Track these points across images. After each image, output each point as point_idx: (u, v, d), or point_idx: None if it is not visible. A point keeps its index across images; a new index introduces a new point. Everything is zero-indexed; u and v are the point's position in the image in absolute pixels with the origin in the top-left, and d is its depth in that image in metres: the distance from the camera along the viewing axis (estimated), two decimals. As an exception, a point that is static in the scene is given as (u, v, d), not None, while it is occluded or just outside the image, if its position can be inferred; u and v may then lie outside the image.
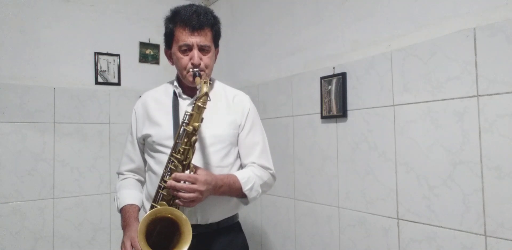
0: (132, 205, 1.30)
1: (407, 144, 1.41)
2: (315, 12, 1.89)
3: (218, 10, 2.84)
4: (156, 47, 2.65)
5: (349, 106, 1.67)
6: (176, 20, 1.27)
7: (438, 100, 1.31)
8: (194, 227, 1.18)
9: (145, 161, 1.39)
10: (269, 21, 2.23)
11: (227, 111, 1.33)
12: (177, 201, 1.12)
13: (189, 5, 1.29)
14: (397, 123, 1.45)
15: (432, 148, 1.32)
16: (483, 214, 1.17)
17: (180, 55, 1.26)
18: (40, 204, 2.17)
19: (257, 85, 2.30)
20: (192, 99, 1.31)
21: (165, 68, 2.70)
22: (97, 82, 2.41)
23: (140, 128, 1.36)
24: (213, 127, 1.27)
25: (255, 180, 1.25)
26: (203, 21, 1.24)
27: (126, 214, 1.28)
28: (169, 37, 1.31)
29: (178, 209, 1.12)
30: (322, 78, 1.80)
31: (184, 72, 1.26)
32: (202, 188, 1.10)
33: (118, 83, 2.49)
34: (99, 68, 2.41)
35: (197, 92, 1.22)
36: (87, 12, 2.39)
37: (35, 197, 2.16)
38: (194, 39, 1.24)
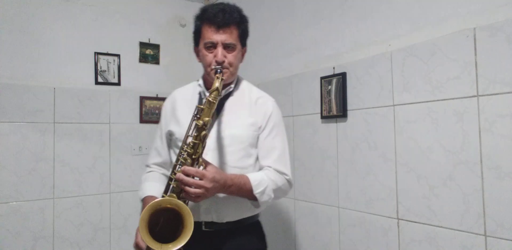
0: (152, 196, 1.31)
1: (407, 144, 1.41)
2: (315, 12, 1.89)
3: (218, 10, 2.84)
4: (156, 47, 2.65)
5: (349, 106, 1.67)
6: (203, 18, 1.29)
7: (438, 100, 1.31)
8: (212, 224, 1.23)
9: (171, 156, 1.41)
10: (269, 21, 2.23)
11: (248, 112, 1.32)
12: (183, 194, 1.12)
13: (218, 4, 1.30)
14: (397, 123, 1.45)
15: (432, 148, 1.32)
16: (483, 214, 1.17)
17: (205, 52, 1.28)
18: (40, 204, 2.17)
19: (257, 85, 2.28)
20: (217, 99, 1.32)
21: (165, 68, 2.70)
22: (97, 82, 2.41)
23: (167, 123, 1.39)
24: (233, 127, 1.28)
25: (267, 184, 1.23)
26: (229, 19, 1.25)
27: (145, 205, 1.30)
28: (197, 35, 1.34)
29: (187, 202, 1.13)
30: (322, 78, 1.80)
31: (208, 69, 1.28)
32: (208, 185, 1.10)
33: (118, 83, 2.49)
34: (99, 68, 2.42)
35: (223, 92, 1.28)
36: (87, 12, 2.39)
37: (35, 197, 2.16)
38: (219, 37, 1.25)
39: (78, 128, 2.32)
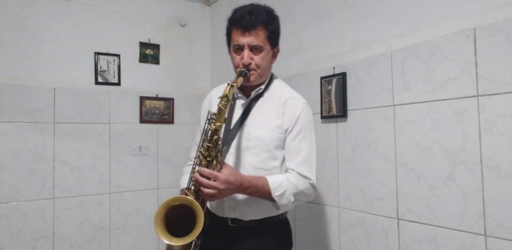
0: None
1: (407, 144, 1.41)
2: (315, 12, 1.89)
3: (218, 10, 2.84)
4: (156, 47, 2.65)
5: (349, 106, 1.67)
6: (232, 21, 1.31)
7: (438, 100, 1.31)
8: (236, 220, 1.29)
9: None
10: (269, 21, 2.22)
11: (275, 114, 1.32)
12: (200, 192, 1.18)
13: (247, 5, 1.31)
14: (397, 123, 1.45)
15: (432, 148, 1.32)
16: (483, 214, 1.17)
17: (233, 54, 1.31)
18: (40, 204, 2.17)
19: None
20: (247, 99, 1.35)
21: (165, 68, 2.70)
22: (97, 82, 2.41)
23: (204, 120, 1.43)
24: (259, 128, 1.29)
25: (287, 187, 1.23)
26: (254, 21, 1.25)
27: None
28: (228, 37, 1.35)
29: (205, 201, 1.21)
30: (322, 78, 1.80)
31: (236, 71, 1.30)
32: (220, 186, 1.14)
33: (118, 83, 2.49)
34: (99, 68, 2.41)
35: (252, 93, 1.32)
36: (87, 12, 2.39)
37: (35, 197, 2.16)
38: (245, 40, 1.26)
39: (78, 128, 2.32)
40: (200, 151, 1.20)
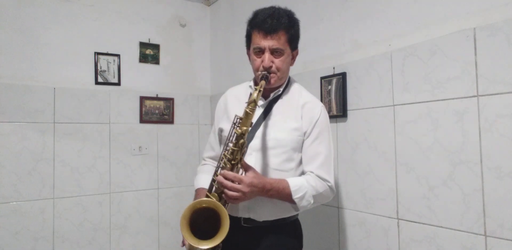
0: (203, 188, 1.37)
1: (407, 144, 1.41)
2: (315, 12, 1.89)
3: (218, 10, 2.84)
4: (156, 47, 2.65)
5: (349, 106, 1.67)
6: (253, 23, 1.32)
7: (438, 100, 1.31)
8: (250, 220, 1.30)
9: None
10: (269, 21, 2.22)
11: (294, 117, 1.33)
12: (223, 195, 1.19)
13: (268, 8, 1.33)
14: (397, 123, 1.45)
15: (432, 148, 1.32)
16: (483, 214, 1.17)
17: (254, 57, 1.32)
18: (40, 204, 2.17)
19: (257, 85, 2.29)
20: (266, 101, 1.37)
21: (165, 68, 2.70)
22: (97, 82, 2.41)
23: (219, 120, 1.46)
24: (277, 130, 1.31)
25: (307, 190, 1.25)
26: (276, 25, 1.26)
27: (197, 195, 1.39)
28: (248, 39, 1.37)
29: (226, 203, 1.20)
30: (322, 78, 1.80)
31: (256, 74, 1.32)
32: (245, 189, 1.15)
33: (118, 83, 2.49)
34: (99, 68, 2.42)
35: (271, 94, 1.33)
36: (87, 12, 2.39)
37: (35, 197, 2.16)
38: (266, 43, 1.27)
39: (78, 128, 2.32)
40: (224, 154, 1.21)
